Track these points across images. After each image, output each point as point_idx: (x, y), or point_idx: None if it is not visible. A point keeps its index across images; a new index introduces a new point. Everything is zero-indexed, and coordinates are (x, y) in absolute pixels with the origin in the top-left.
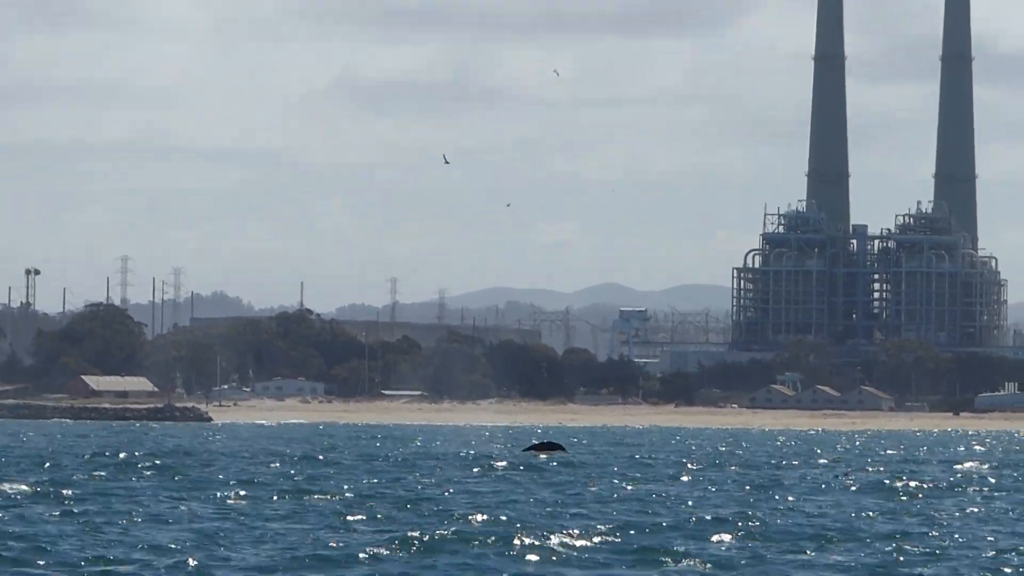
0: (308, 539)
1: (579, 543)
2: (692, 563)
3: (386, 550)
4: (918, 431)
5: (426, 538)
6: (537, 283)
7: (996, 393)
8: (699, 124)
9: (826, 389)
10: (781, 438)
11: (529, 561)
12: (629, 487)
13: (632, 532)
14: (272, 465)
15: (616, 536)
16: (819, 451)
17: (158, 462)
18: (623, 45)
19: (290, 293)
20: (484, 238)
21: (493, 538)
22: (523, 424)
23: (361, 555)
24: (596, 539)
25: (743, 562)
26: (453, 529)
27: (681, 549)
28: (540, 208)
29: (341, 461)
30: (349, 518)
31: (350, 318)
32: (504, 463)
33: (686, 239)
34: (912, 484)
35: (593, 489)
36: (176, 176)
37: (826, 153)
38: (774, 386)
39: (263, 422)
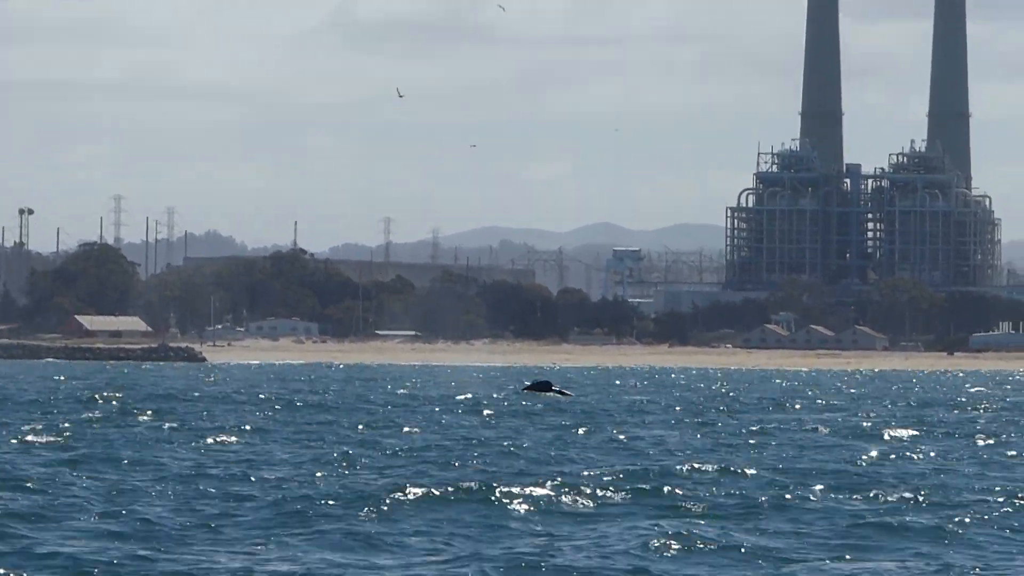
0: (307, 492)
1: (579, 495)
2: (700, 510)
3: (385, 506)
4: (915, 371)
5: (428, 492)
6: (530, 222)
7: (990, 333)
8: (692, 62)
9: (820, 329)
10: (778, 380)
11: (529, 513)
12: (626, 433)
13: (634, 481)
14: (267, 413)
15: (618, 486)
16: (817, 392)
17: (155, 407)
18: None
19: (283, 232)
20: (477, 177)
21: (494, 490)
22: (518, 364)
23: (361, 512)
24: (598, 489)
25: (763, 514)
26: (452, 481)
27: (689, 499)
28: (533, 147)
29: (337, 405)
30: (344, 470)
31: (343, 257)
32: (500, 408)
33: (679, 178)
34: (920, 429)
35: (591, 436)
36: (170, 114)
37: (819, 91)
38: (768, 326)
39: (256, 362)
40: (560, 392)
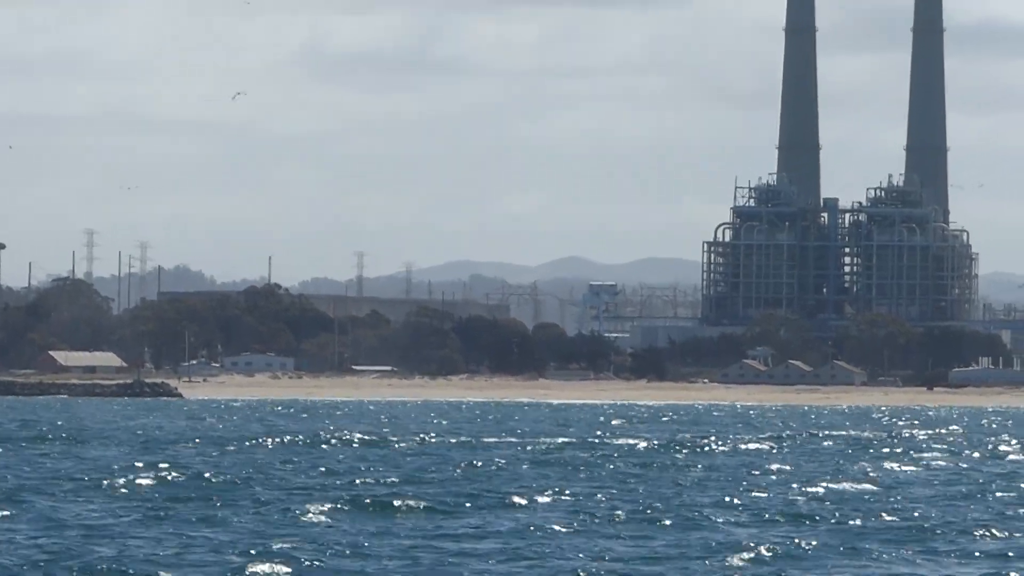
0: None
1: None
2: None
3: None
4: (934, 408)
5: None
6: (500, 256)
7: (970, 368)
8: (665, 95)
9: (798, 364)
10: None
11: None
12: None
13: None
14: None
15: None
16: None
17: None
18: (588, 14)
19: (252, 266)
20: (447, 210)
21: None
22: (500, 400)
23: None
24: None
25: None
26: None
27: None
28: (503, 179)
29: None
30: None
31: (314, 292)
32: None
33: (649, 211)
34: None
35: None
36: (141, 148)
37: (797, 125)
38: (746, 361)
39: (235, 398)
40: None
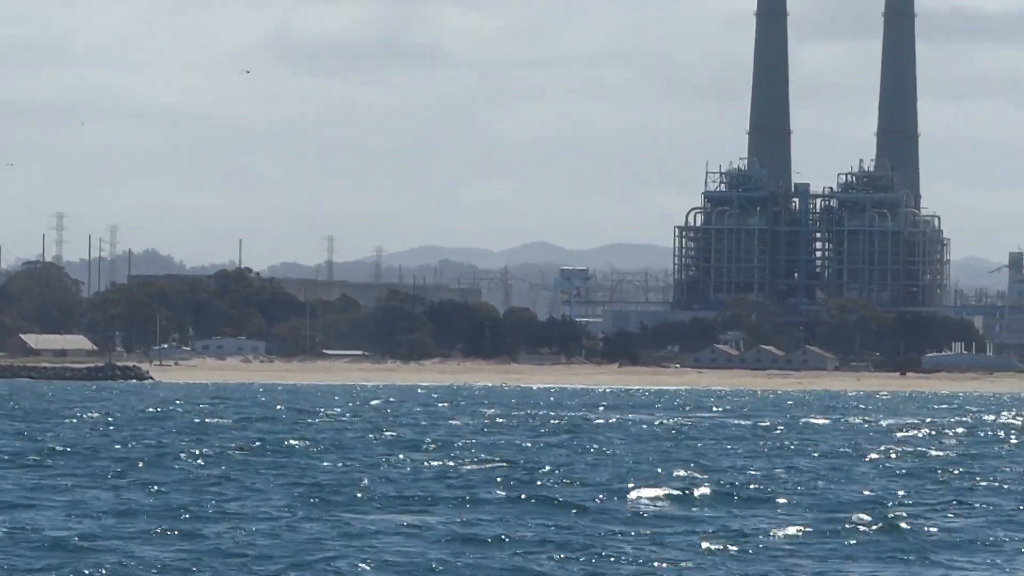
0: None
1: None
2: None
3: None
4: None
5: None
6: (468, 242)
7: (942, 353)
8: (634, 84)
9: (770, 348)
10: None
11: None
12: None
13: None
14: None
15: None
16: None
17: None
18: (557, 4)
19: (222, 251)
20: (415, 197)
21: None
22: (471, 383)
23: None
24: None
25: None
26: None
27: None
28: (471, 167)
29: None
30: None
31: (283, 276)
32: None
33: (616, 198)
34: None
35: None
36: (110, 134)
37: (767, 110)
38: (718, 345)
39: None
40: None
